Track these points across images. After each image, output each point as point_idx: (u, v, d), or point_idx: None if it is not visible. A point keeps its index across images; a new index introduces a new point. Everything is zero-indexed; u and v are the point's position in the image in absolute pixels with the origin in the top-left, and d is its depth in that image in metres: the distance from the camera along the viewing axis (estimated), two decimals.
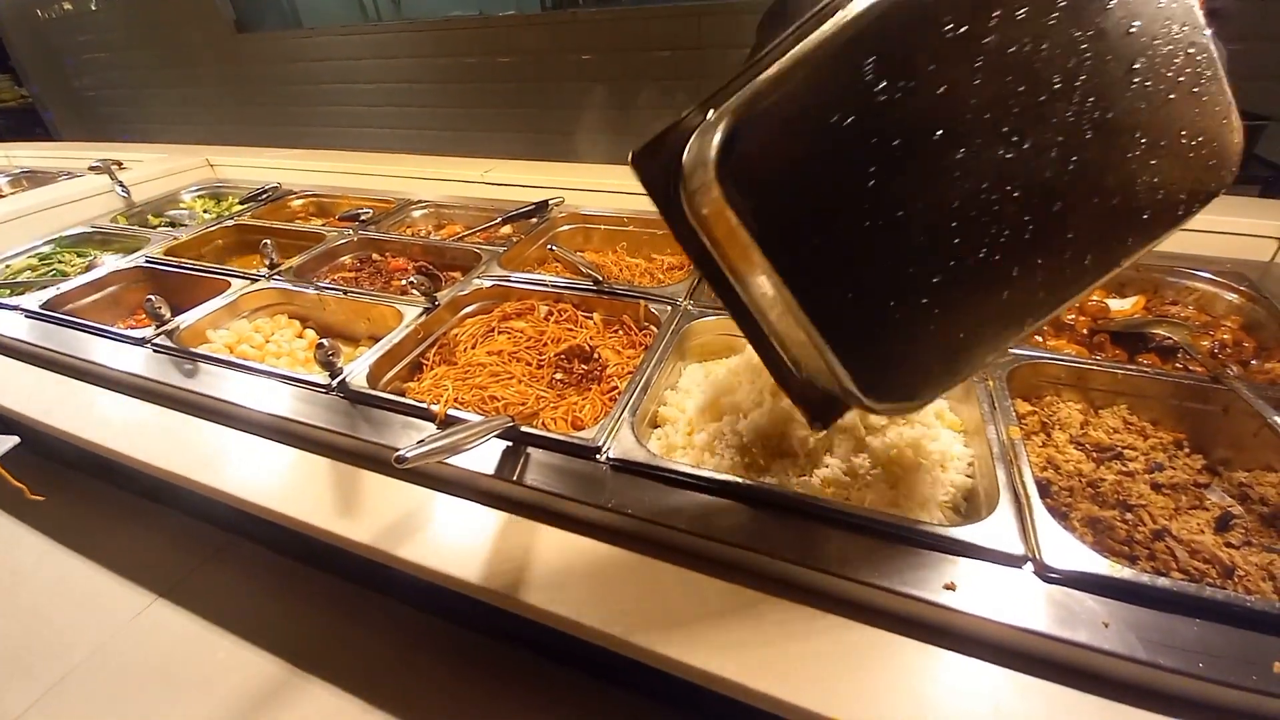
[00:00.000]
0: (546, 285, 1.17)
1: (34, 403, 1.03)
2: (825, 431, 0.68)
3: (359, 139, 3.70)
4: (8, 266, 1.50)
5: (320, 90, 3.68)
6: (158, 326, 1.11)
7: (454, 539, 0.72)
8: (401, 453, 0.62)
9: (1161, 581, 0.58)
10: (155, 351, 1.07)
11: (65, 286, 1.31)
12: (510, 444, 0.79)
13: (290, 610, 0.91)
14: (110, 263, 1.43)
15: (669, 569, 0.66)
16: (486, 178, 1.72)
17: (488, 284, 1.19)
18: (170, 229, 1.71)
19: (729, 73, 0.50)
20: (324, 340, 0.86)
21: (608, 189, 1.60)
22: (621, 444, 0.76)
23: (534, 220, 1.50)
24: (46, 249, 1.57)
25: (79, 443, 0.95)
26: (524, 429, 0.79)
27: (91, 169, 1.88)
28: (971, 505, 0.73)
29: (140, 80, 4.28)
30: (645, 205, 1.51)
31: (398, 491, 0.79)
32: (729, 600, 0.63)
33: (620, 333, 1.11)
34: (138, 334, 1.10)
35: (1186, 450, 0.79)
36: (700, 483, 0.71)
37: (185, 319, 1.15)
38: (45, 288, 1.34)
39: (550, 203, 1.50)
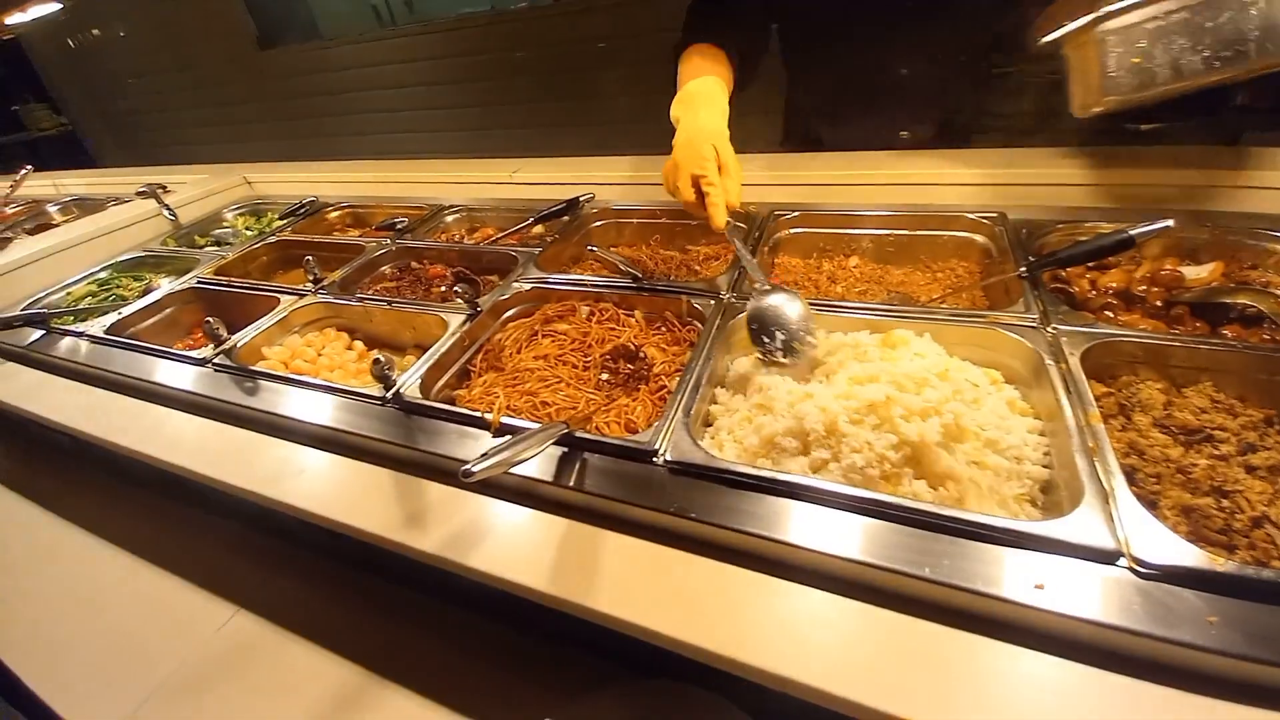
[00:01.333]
0: (585, 285, 1.17)
1: (107, 425, 1.07)
2: None
3: (385, 145, 3.76)
4: (69, 293, 1.57)
5: (344, 99, 3.75)
6: (216, 346, 1.14)
7: (519, 546, 0.73)
8: (467, 467, 0.63)
9: (1266, 573, 0.54)
10: (216, 371, 1.11)
11: (126, 311, 1.37)
12: (565, 450, 0.79)
13: (358, 618, 0.93)
14: (165, 285, 1.48)
15: (738, 573, 0.65)
16: (515, 177, 1.71)
17: (527, 286, 1.19)
18: (216, 248, 1.77)
19: None
20: (379, 356, 0.87)
21: (637, 181, 1.57)
22: (678, 446, 0.75)
23: (566, 218, 1.49)
24: (104, 274, 1.64)
25: (153, 462, 0.99)
26: (579, 434, 0.79)
27: (139, 194, 1.95)
28: (1050, 498, 0.70)
29: (170, 102, 4.42)
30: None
31: (459, 500, 0.80)
32: (800, 603, 0.62)
33: (663, 329, 1.10)
34: (198, 354, 1.14)
35: (1278, 427, 0.74)
36: (762, 483, 0.69)
37: (240, 337, 1.18)
38: (106, 313, 1.40)
39: (581, 199, 1.49)
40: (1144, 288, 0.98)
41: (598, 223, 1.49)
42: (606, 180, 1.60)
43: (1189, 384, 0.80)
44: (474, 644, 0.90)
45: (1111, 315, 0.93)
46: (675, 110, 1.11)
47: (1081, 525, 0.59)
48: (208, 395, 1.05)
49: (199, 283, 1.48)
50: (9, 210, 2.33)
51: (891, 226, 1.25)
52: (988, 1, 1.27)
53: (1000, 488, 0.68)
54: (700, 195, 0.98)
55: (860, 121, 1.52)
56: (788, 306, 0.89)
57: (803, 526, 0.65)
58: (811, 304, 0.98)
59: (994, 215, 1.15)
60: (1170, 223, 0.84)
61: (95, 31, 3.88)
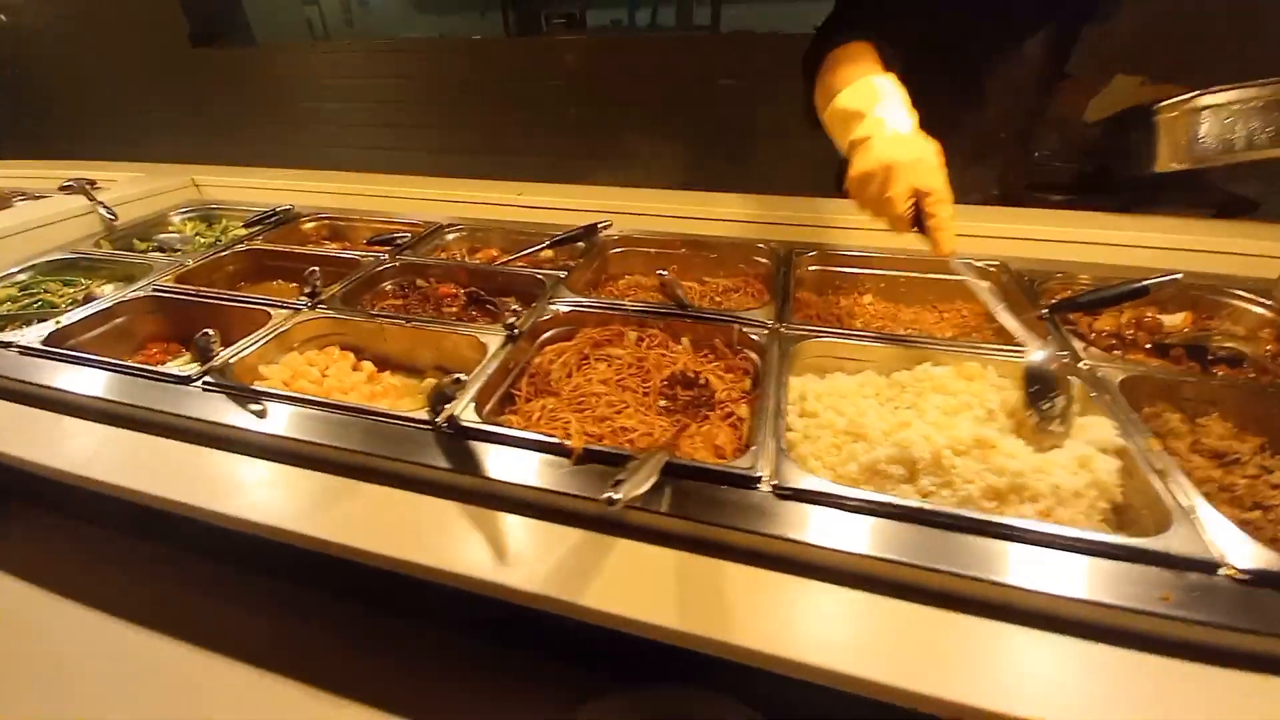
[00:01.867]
0: (625, 309, 1.14)
1: (64, 455, 0.89)
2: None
3: (333, 158, 3.53)
4: None
5: (290, 108, 3.50)
6: (204, 362, 0.99)
7: (627, 579, 0.67)
8: (610, 495, 0.58)
9: None
10: (206, 390, 0.96)
11: (66, 320, 1.15)
12: (659, 477, 0.76)
13: (426, 675, 0.81)
14: (112, 293, 1.27)
15: (877, 600, 0.64)
16: (519, 200, 1.67)
17: (564, 309, 1.15)
18: (161, 254, 1.56)
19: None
20: (459, 376, 0.79)
21: (651, 213, 1.59)
22: (782, 471, 0.74)
23: (580, 244, 1.47)
24: (23, 276, 1.39)
25: (134, 498, 0.82)
26: (679, 461, 0.75)
27: (62, 189, 1.69)
28: (1124, 518, 0.76)
29: (84, 96, 3.90)
30: (695, 229, 1.51)
31: (545, 533, 0.73)
32: (945, 628, 0.62)
33: (711, 356, 1.09)
34: (181, 371, 0.98)
35: (1269, 453, 0.86)
36: (879, 508, 0.69)
37: (232, 354, 1.03)
38: (30, 321, 1.18)
39: (599, 226, 1.48)
40: (1131, 332, 1.12)
41: (616, 250, 1.48)
42: (614, 209, 1.60)
43: (1200, 415, 0.91)
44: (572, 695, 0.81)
45: (1120, 354, 1.04)
46: (860, 103, 0.95)
47: (1182, 539, 0.65)
48: (199, 418, 0.91)
49: (156, 290, 1.28)
50: None
51: (902, 268, 1.34)
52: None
53: (1084, 510, 0.73)
54: (917, 213, 0.85)
55: None
56: (1058, 368, 0.81)
57: (920, 549, 0.65)
58: (841, 334, 1.03)
59: (998, 263, 1.28)
60: (1179, 276, 0.97)
61: (2, 17, 3.40)
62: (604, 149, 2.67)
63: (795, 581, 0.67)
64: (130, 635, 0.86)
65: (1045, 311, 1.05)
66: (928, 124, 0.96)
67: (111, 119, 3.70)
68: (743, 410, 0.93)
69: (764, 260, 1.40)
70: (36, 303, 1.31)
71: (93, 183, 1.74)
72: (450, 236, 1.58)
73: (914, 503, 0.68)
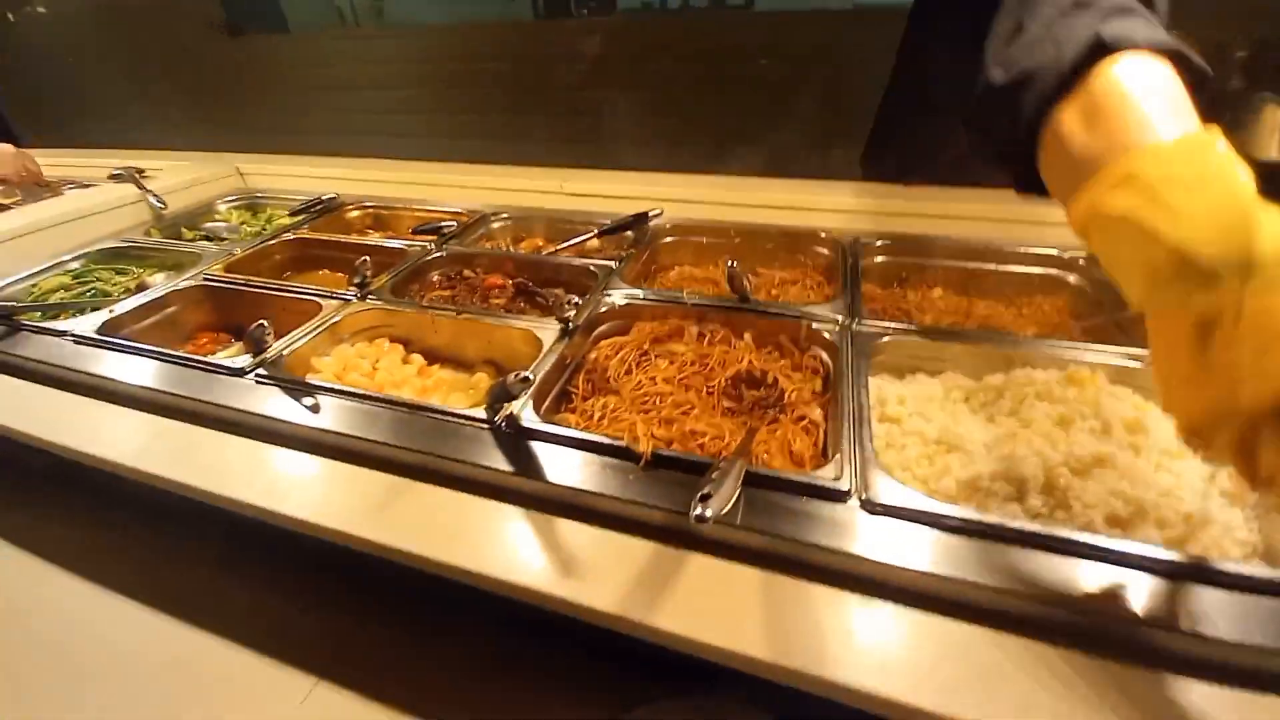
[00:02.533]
0: (685, 303, 1.08)
1: (120, 447, 0.87)
2: None
3: (375, 147, 3.53)
4: (35, 285, 1.32)
5: (326, 95, 3.50)
6: (256, 354, 0.97)
7: (705, 600, 0.62)
8: (700, 511, 0.53)
9: None
10: (259, 382, 0.93)
11: (119, 309, 1.15)
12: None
13: (464, 676, 0.78)
14: (163, 282, 1.27)
15: (988, 635, 0.58)
16: (565, 188, 1.62)
17: (621, 301, 1.09)
18: (209, 243, 1.56)
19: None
20: (526, 373, 0.74)
21: (700, 200, 1.52)
22: (873, 485, 0.68)
23: (629, 233, 1.41)
24: (75, 265, 1.40)
25: (196, 495, 0.81)
26: (757, 471, 0.70)
27: (112, 177, 1.70)
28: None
29: (116, 87, 3.99)
30: (746, 216, 1.43)
31: (613, 544, 0.69)
32: (1092, 674, 0.55)
33: (776, 353, 1.03)
34: (233, 363, 0.96)
35: None
36: (985, 529, 0.63)
37: (284, 346, 1.01)
38: (84, 310, 1.18)
39: (650, 214, 1.42)
40: None
41: (667, 239, 1.42)
42: (663, 197, 1.54)
43: None
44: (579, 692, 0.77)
45: None
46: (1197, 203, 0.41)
47: None
48: (252, 411, 0.88)
49: (206, 279, 1.28)
50: None
51: (975, 259, 1.25)
52: None
53: (1217, 536, 0.65)
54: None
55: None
56: None
57: (1051, 584, 0.58)
58: (924, 331, 0.95)
59: (1086, 254, 1.18)
60: None
61: (40, 9, 3.47)
62: (641, 134, 2.61)
63: (890, 608, 0.61)
64: (176, 630, 0.85)
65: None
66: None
67: (152, 107, 3.77)
68: (815, 414, 0.87)
69: (824, 250, 1.32)
70: (90, 291, 1.31)
71: (141, 171, 1.75)
72: (495, 225, 1.53)
73: (1028, 525, 0.61)
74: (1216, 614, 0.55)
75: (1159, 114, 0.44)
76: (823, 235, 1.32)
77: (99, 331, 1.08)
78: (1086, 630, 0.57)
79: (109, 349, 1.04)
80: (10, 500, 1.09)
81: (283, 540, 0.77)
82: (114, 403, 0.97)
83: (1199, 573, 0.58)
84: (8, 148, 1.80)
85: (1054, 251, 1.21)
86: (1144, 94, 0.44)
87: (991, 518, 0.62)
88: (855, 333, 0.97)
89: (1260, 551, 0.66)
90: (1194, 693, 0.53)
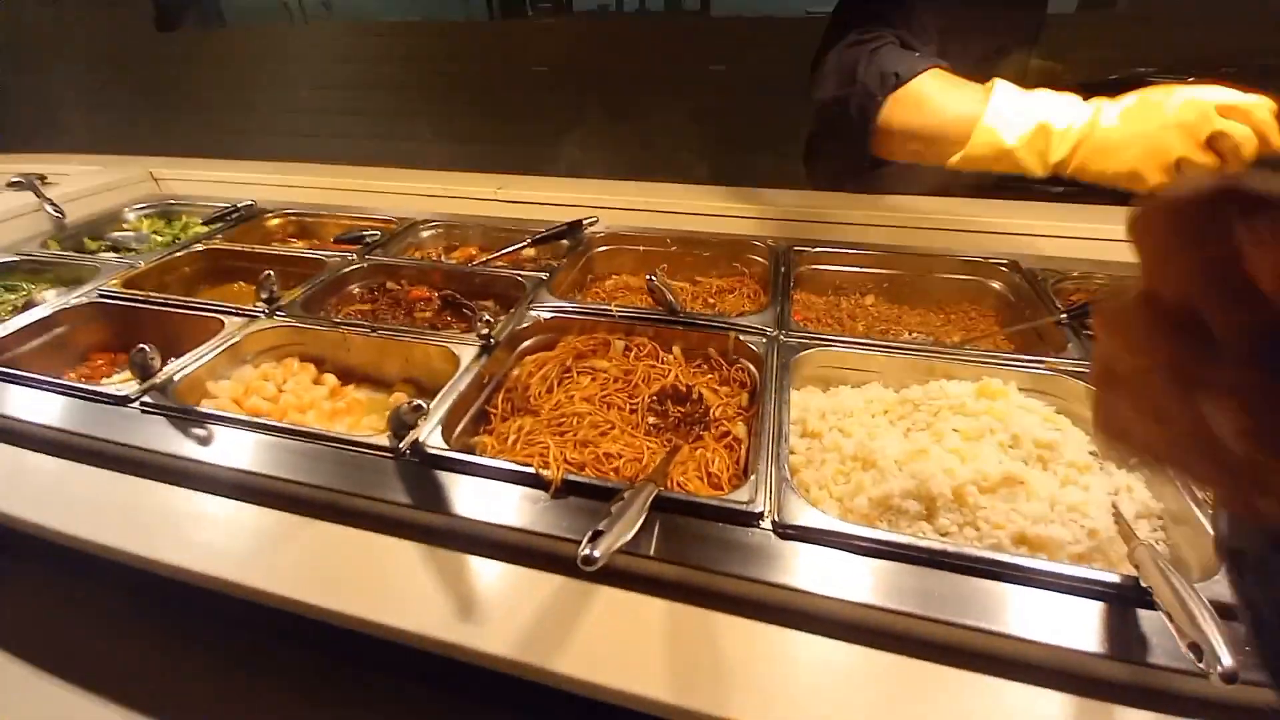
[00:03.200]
0: (613, 315, 1.05)
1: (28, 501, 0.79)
2: None
3: (305, 148, 3.39)
4: None
5: (258, 94, 3.35)
6: (144, 379, 0.89)
7: (616, 640, 0.59)
8: (589, 552, 0.49)
9: None
10: (145, 412, 0.86)
11: (2, 331, 1.05)
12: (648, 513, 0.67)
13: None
14: (53, 299, 1.17)
15: (895, 660, 0.57)
16: (499, 195, 1.57)
17: (546, 315, 1.06)
18: (114, 254, 1.45)
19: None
20: (419, 402, 0.70)
21: (640, 207, 1.50)
22: (786, 507, 0.66)
23: (565, 242, 1.37)
24: None
25: (57, 539, 0.73)
26: (670, 495, 0.67)
27: (10, 185, 1.56)
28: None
29: (44, 83, 3.73)
30: (685, 224, 1.42)
31: (519, 581, 0.65)
32: (976, 693, 0.54)
33: (705, 367, 1.01)
34: (117, 390, 0.88)
35: None
36: (895, 550, 0.61)
37: (177, 369, 0.93)
38: None
39: (585, 222, 1.38)
40: None
41: (602, 248, 1.38)
42: (600, 204, 1.51)
43: None
44: None
45: None
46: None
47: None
48: (134, 445, 0.81)
49: (101, 296, 1.18)
50: None
51: (907, 268, 1.26)
52: None
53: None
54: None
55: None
56: None
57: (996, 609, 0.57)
58: (848, 343, 0.94)
59: (1008, 262, 1.20)
60: None
61: None
62: (590, 139, 2.57)
63: (800, 637, 0.59)
64: (48, 689, 0.77)
65: (1064, 316, 0.97)
66: None
67: (67, 108, 3.54)
68: (739, 429, 0.85)
69: (760, 259, 1.31)
70: None
71: (42, 178, 1.62)
72: (425, 234, 1.47)
73: (935, 544, 0.60)
74: (1128, 631, 0.55)
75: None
76: (756, 244, 1.31)
77: None
78: (996, 655, 0.56)
79: None
80: None
81: (171, 587, 0.71)
82: None
83: (1107, 589, 0.57)
84: None
85: (979, 258, 1.23)
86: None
87: (900, 537, 0.61)
88: (781, 344, 0.96)
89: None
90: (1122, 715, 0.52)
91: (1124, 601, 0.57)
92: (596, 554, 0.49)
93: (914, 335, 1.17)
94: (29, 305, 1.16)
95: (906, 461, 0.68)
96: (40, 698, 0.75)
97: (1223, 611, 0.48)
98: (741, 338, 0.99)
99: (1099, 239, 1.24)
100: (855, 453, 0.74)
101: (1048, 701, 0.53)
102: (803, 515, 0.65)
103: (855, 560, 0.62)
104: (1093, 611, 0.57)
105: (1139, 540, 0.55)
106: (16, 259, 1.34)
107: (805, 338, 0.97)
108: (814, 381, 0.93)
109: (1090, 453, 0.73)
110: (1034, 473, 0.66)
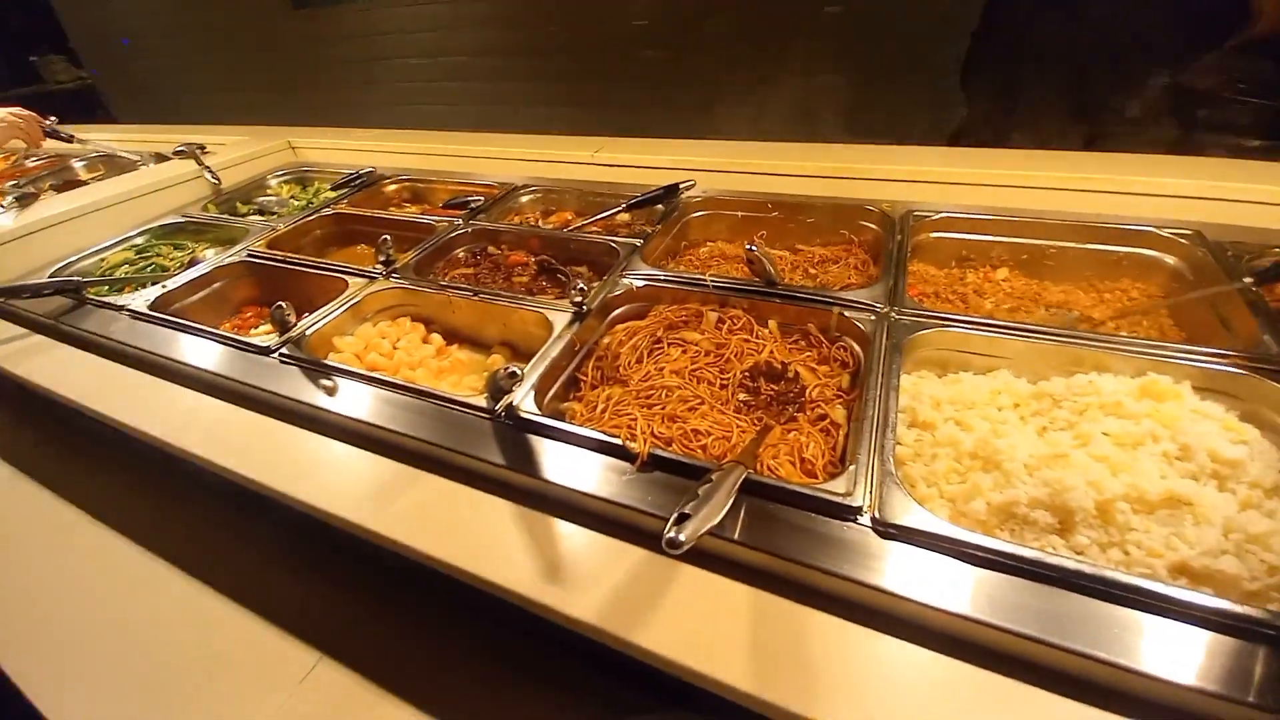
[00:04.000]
0: (706, 286, 1.01)
1: (159, 421, 0.93)
2: None
3: (426, 117, 3.57)
4: (103, 260, 1.42)
5: (384, 66, 3.55)
6: (282, 333, 1.00)
7: (695, 620, 0.58)
8: (674, 535, 0.48)
9: None
10: (283, 362, 0.96)
11: (171, 284, 1.22)
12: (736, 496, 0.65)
13: (459, 667, 0.79)
14: (212, 258, 1.33)
15: (1000, 682, 0.51)
16: (597, 158, 1.55)
17: (639, 284, 1.04)
18: (260, 217, 1.62)
19: None
20: (514, 369, 0.72)
21: (738, 169, 1.42)
22: (888, 502, 0.61)
23: (660, 207, 1.34)
24: (140, 240, 1.49)
25: (218, 470, 0.84)
26: (759, 479, 0.64)
27: (176, 153, 1.79)
28: None
29: (194, 62, 4.23)
30: (787, 187, 1.32)
31: (603, 551, 0.66)
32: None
33: (802, 344, 0.95)
34: (261, 342, 0.99)
35: None
36: (1016, 565, 0.55)
37: (310, 324, 1.03)
38: (145, 284, 1.25)
39: (681, 186, 1.33)
40: None
41: (699, 213, 1.33)
42: (702, 166, 1.44)
43: None
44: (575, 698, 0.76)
45: None
46: None
47: None
48: (274, 392, 0.91)
49: (249, 255, 1.32)
50: (31, 164, 2.17)
51: (1051, 236, 1.09)
52: None
53: None
54: None
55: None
56: None
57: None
58: (973, 323, 0.83)
59: (1190, 233, 1.00)
60: None
61: None
62: (689, 96, 2.46)
63: (894, 644, 0.55)
64: (192, 590, 0.91)
65: (1249, 281, 0.79)
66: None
67: (209, 90, 3.98)
68: (838, 413, 0.79)
69: (871, 225, 1.19)
70: (150, 266, 1.40)
71: (202, 147, 1.83)
72: (524, 199, 1.50)
73: (1069, 562, 0.52)
74: None
75: None
76: (869, 209, 1.20)
77: (151, 307, 1.15)
78: (1126, 694, 0.49)
79: (158, 324, 1.10)
80: (66, 456, 1.20)
81: (299, 515, 0.80)
82: (160, 377, 1.02)
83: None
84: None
85: (1150, 228, 1.03)
86: None
87: (1026, 551, 0.54)
88: (893, 322, 0.87)
89: None
90: None
91: None
92: (682, 538, 0.48)
93: (1051, 310, 1.02)
94: (193, 262, 1.33)
95: (1040, 466, 0.60)
96: (196, 607, 0.88)
97: None
98: (846, 314, 0.91)
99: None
100: (975, 450, 0.66)
101: None
102: (908, 515, 0.59)
103: (966, 569, 0.56)
104: (1254, 656, 0.47)
105: None
106: (182, 220, 1.54)
107: (922, 315, 0.87)
108: (929, 365, 0.85)
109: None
110: (1207, 492, 0.55)
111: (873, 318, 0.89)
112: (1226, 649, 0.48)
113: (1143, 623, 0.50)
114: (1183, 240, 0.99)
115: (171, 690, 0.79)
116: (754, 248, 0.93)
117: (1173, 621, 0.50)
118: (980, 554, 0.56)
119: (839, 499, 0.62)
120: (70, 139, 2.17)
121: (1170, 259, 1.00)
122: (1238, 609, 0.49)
